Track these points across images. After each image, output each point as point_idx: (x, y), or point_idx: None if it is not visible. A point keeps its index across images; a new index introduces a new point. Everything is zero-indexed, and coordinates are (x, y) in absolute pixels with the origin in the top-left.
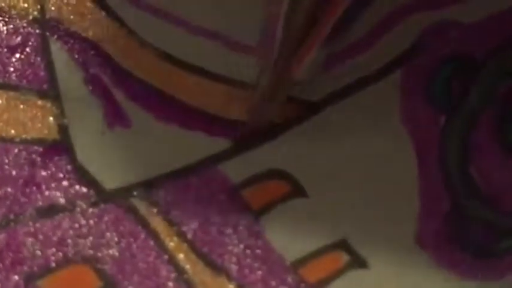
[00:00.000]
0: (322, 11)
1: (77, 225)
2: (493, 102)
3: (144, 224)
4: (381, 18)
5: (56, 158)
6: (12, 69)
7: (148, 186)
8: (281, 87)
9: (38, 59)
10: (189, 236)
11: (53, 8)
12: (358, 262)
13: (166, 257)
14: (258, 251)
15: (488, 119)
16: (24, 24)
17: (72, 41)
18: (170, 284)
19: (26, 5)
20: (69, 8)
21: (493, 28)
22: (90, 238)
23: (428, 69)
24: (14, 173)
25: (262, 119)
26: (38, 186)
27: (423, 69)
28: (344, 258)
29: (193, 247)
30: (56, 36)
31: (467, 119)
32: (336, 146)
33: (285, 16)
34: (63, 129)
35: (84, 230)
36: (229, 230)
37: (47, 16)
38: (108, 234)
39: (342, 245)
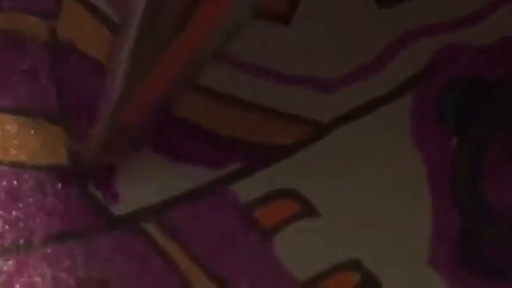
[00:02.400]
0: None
1: (87, 250)
2: (504, 124)
3: (155, 247)
4: (392, 40)
5: (66, 184)
6: (23, 93)
7: (158, 208)
8: (119, 134)
9: (50, 83)
10: (200, 256)
11: (65, 32)
12: (370, 282)
13: (177, 278)
14: (270, 271)
15: (500, 140)
16: (36, 48)
17: (84, 65)
18: None
19: (37, 29)
20: (81, 31)
21: (504, 50)
22: (101, 262)
23: (439, 91)
24: (24, 198)
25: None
26: (48, 212)
27: (434, 92)
28: (356, 278)
29: (204, 267)
30: (68, 60)
31: (479, 141)
32: (347, 167)
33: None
34: (74, 155)
35: (95, 254)
36: (240, 250)
37: (59, 40)
38: (118, 258)
39: (354, 265)
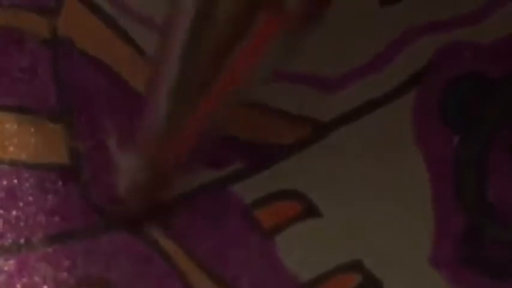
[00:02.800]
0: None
1: (88, 250)
2: (508, 122)
3: (156, 247)
4: (393, 39)
5: (67, 183)
6: (23, 91)
7: (159, 209)
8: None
9: (50, 81)
10: (201, 257)
11: (65, 30)
12: (372, 283)
13: (178, 278)
14: (271, 271)
15: (503, 139)
16: (36, 46)
17: (84, 63)
18: None
19: (38, 26)
20: (82, 29)
21: (507, 48)
22: (102, 262)
23: (441, 89)
24: (24, 198)
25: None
26: (49, 211)
27: (436, 90)
28: (358, 279)
29: (206, 268)
30: (68, 58)
31: (482, 139)
32: (349, 166)
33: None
34: (74, 154)
35: (96, 254)
36: (241, 251)
37: (60, 38)
38: (119, 257)
39: (356, 266)
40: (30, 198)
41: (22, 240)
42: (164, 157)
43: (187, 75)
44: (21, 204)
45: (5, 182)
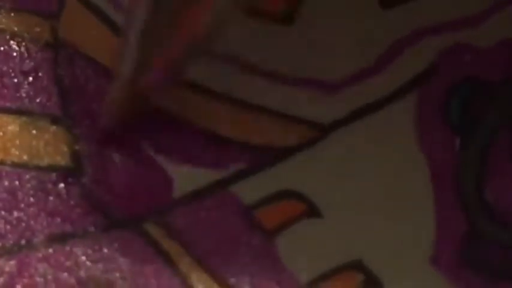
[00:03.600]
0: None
1: (89, 251)
2: (508, 124)
3: (156, 247)
4: (395, 41)
5: (69, 184)
6: (25, 94)
7: (160, 210)
8: (137, 95)
9: (51, 84)
10: (202, 257)
11: (66, 33)
12: (373, 283)
13: (179, 278)
14: (272, 271)
15: (504, 142)
16: (38, 49)
17: (86, 66)
18: None
19: (39, 29)
20: (83, 32)
21: (508, 51)
22: (103, 263)
23: (442, 91)
24: (25, 199)
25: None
26: (50, 212)
27: (437, 92)
28: (359, 279)
29: (207, 268)
30: (70, 61)
31: (483, 141)
32: (349, 168)
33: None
34: (76, 156)
35: (97, 255)
36: (242, 251)
37: (61, 41)
38: (120, 258)
39: (357, 266)
40: (32, 200)
41: (23, 241)
42: (138, 84)
43: (154, 20)
44: (22, 205)
45: (6, 184)
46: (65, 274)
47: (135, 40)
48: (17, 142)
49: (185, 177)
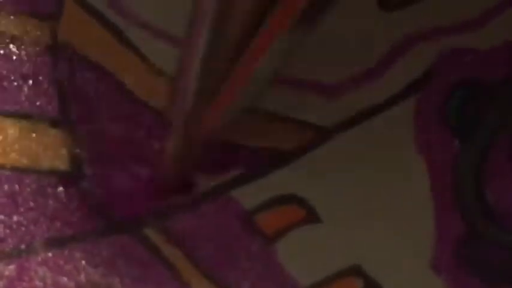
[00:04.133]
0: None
1: (88, 255)
2: (507, 127)
3: (156, 252)
4: (394, 44)
5: (68, 188)
6: (24, 97)
7: (159, 214)
8: (196, 142)
9: (51, 87)
10: (202, 262)
11: (66, 36)
12: (373, 287)
13: (179, 283)
14: (272, 276)
15: (503, 143)
16: (37, 52)
17: (85, 69)
18: None
19: (39, 33)
20: (83, 35)
21: (507, 54)
22: (103, 267)
23: (442, 94)
24: (25, 203)
25: (178, 173)
26: (50, 216)
27: (437, 95)
28: (358, 283)
29: (207, 273)
30: (69, 64)
31: (482, 144)
32: (349, 172)
33: (201, 61)
34: (75, 160)
35: (96, 259)
36: (242, 256)
37: (60, 44)
38: (120, 263)
39: (357, 271)
40: (31, 204)
41: (23, 245)
42: (195, 131)
43: (211, 62)
44: (22, 209)
45: (6, 187)
46: (65, 278)
47: (192, 88)
48: (17, 146)
49: None
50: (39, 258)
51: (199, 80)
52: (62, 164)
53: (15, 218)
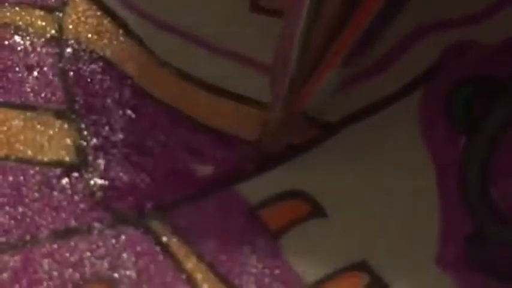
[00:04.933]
0: (342, 28)
1: (93, 247)
2: None
3: (161, 245)
4: (399, 38)
5: (73, 180)
6: (29, 89)
7: (164, 207)
8: (293, 115)
9: (56, 78)
10: (207, 256)
11: (71, 27)
12: (378, 284)
13: (184, 277)
14: (277, 272)
15: (509, 140)
16: (42, 43)
17: (90, 60)
18: None
19: (43, 24)
20: (87, 26)
21: None
22: (107, 259)
23: (447, 89)
24: (30, 194)
25: (276, 143)
26: (55, 208)
27: (442, 90)
28: (364, 280)
29: (211, 267)
30: (74, 55)
31: (488, 140)
32: (354, 167)
33: (301, 37)
34: (80, 151)
35: (101, 251)
36: (247, 250)
37: (65, 35)
38: (125, 255)
39: (362, 267)
40: (36, 195)
41: (28, 237)
42: (294, 102)
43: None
44: (27, 200)
45: (11, 179)
46: (70, 270)
47: (294, 59)
48: (21, 137)
49: (192, 175)
50: (44, 250)
51: (299, 60)
52: (66, 155)
53: (20, 209)
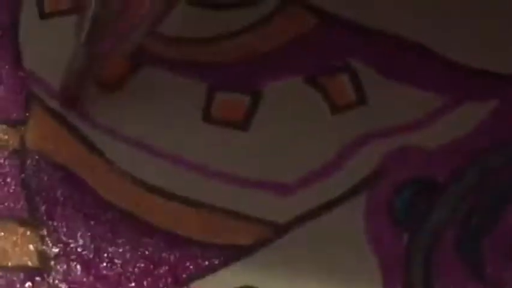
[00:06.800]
0: None
1: None
2: (453, 222)
3: None
4: (346, 144)
5: (36, 284)
6: None
7: None
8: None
9: (18, 188)
10: None
11: (33, 140)
12: None
13: None
14: None
15: (449, 238)
16: (5, 155)
17: (51, 171)
18: None
19: (6, 137)
20: (49, 139)
21: (452, 152)
22: None
23: (391, 191)
24: None
25: (80, 86)
26: None
27: (386, 191)
28: None
29: None
30: (36, 166)
31: (430, 238)
32: (304, 265)
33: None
34: (42, 256)
35: None
36: None
37: (27, 147)
38: None
39: None
40: None
41: None
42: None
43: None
44: None
45: None
46: None
47: (93, 15)
48: None
49: None
50: None
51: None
52: (29, 260)
53: None
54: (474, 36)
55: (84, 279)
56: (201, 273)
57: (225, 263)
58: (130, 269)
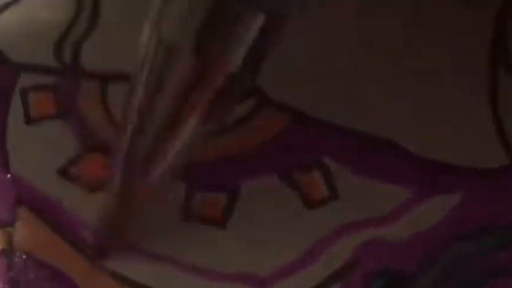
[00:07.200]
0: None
1: None
2: None
3: None
4: (319, 237)
5: None
6: None
7: None
8: (129, 207)
9: (6, 286)
10: None
11: (20, 240)
12: None
13: None
14: None
15: None
16: None
17: (38, 270)
18: None
19: None
20: (36, 239)
21: (420, 244)
22: None
23: (361, 283)
24: None
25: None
26: None
27: (357, 283)
28: None
29: None
30: (23, 265)
31: None
32: None
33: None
34: None
35: None
36: None
37: (15, 247)
38: None
39: None
40: None
41: None
42: (130, 196)
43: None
44: None
45: None
46: None
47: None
48: None
49: None
50: None
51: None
52: None
53: None
54: (439, 131)
55: None
56: None
57: None
58: None
